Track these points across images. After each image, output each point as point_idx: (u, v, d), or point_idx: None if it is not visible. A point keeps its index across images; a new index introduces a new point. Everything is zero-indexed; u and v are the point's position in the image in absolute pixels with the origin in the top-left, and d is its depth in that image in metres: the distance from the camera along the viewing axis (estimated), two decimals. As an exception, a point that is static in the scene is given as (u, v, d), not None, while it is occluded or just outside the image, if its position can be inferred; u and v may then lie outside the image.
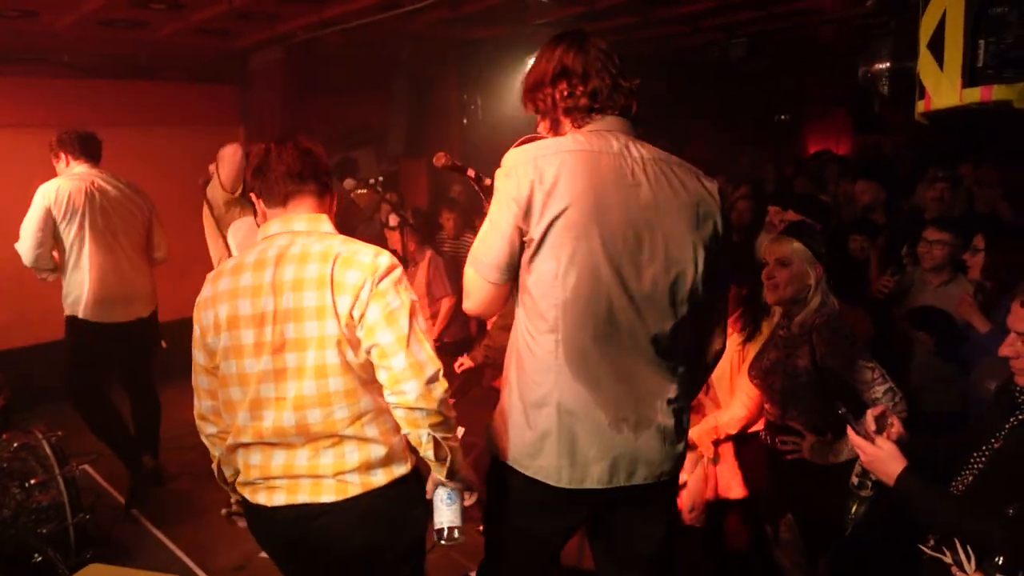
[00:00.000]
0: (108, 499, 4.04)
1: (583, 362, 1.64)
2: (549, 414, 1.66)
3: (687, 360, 1.78)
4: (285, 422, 1.74)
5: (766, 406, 2.54)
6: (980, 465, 1.73)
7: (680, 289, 1.68)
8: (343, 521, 1.79)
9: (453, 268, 4.82)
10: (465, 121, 7.55)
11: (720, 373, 2.83)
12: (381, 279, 1.73)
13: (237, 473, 1.87)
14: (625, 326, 1.65)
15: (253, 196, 1.90)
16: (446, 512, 1.86)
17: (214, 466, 1.95)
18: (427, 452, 1.77)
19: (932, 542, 1.73)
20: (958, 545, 1.56)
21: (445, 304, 4.84)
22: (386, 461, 1.81)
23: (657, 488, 1.76)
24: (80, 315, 3.80)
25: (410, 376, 1.70)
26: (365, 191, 4.91)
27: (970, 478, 1.74)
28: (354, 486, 1.78)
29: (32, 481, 3.04)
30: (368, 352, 1.74)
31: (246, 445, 1.80)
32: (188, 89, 6.29)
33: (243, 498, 1.87)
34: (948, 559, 1.58)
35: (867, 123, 11.06)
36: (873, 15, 5.89)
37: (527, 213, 1.60)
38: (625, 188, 1.62)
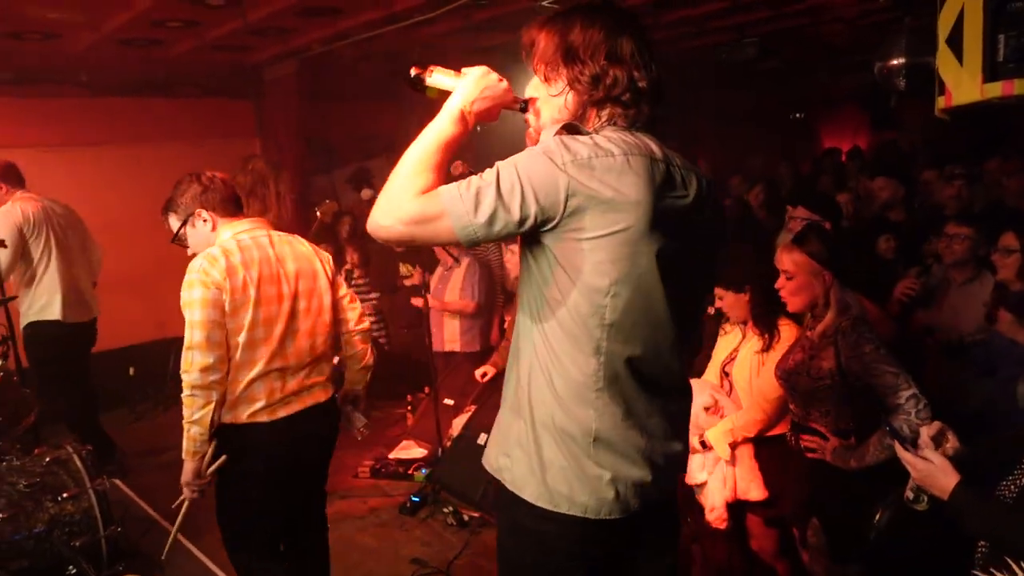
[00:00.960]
0: (136, 511, 4.09)
1: (621, 385, 1.51)
2: (587, 444, 1.51)
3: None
4: (304, 346, 2.56)
5: (791, 407, 2.53)
6: None
7: (700, 306, 1.63)
8: (331, 414, 2.73)
9: (480, 273, 4.85)
10: (478, 128, 7.56)
11: (741, 375, 2.83)
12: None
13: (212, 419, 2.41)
14: (664, 344, 1.54)
15: (202, 210, 2.52)
16: (363, 417, 2.91)
17: (207, 412, 2.38)
18: (370, 361, 2.84)
19: (981, 552, 1.70)
20: (1014, 565, 1.53)
21: (469, 307, 4.82)
22: (332, 375, 2.72)
23: (670, 504, 1.74)
24: (53, 317, 4.29)
25: (363, 311, 2.86)
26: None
27: (1021, 481, 1.70)
28: (328, 390, 2.68)
29: (64, 495, 3.08)
30: (339, 300, 2.74)
31: (266, 374, 2.47)
32: (204, 104, 6.39)
33: (255, 424, 2.46)
34: None
35: (883, 120, 11.02)
36: (886, 11, 5.86)
37: (572, 215, 1.40)
38: (675, 199, 1.48)
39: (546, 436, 1.53)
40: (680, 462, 1.66)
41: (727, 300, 2.79)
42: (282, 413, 2.51)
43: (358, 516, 4.07)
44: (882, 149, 9.04)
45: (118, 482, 4.38)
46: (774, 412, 2.70)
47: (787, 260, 2.40)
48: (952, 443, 1.80)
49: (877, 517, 2.01)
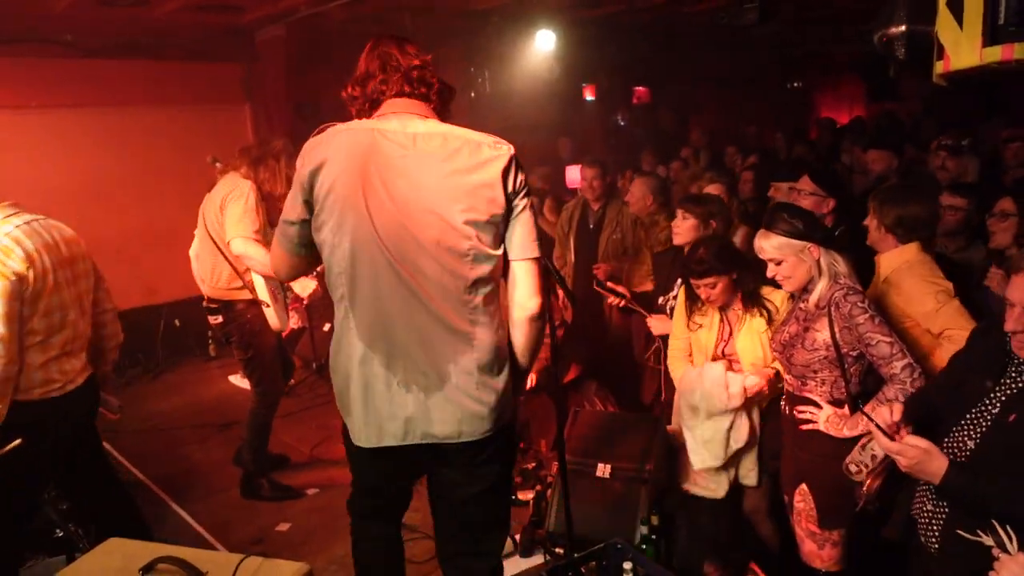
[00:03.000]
0: (125, 474, 4.10)
1: (371, 328, 1.82)
2: (345, 378, 1.87)
3: (492, 322, 1.89)
4: (83, 327, 2.64)
5: (786, 377, 2.53)
6: (982, 430, 1.69)
7: (459, 255, 1.80)
8: (96, 390, 2.78)
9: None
10: (472, 95, 7.47)
11: (751, 355, 2.81)
12: None
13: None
14: (412, 293, 1.79)
15: None
16: (114, 399, 3.12)
17: (4, 406, 2.35)
18: (120, 339, 3.07)
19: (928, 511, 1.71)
20: (997, 526, 1.52)
21: None
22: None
23: (474, 447, 1.90)
24: None
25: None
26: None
27: (970, 443, 1.71)
28: (90, 368, 2.73)
29: (51, 459, 3.07)
30: (99, 280, 2.80)
31: (60, 356, 2.52)
32: (192, 67, 6.25)
33: (47, 400, 2.48)
34: (989, 541, 1.54)
35: (881, 90, 10.91)
36: (887, -23, 5.73)
37: (309, 191, 1.80)
38: (392, 160, 1.78)
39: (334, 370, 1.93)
40: (449, 409, 1.84)
41: (720, 284, 2.74)
42: (70, 388, 2.58)
43: (349, 483, 4.09)
44: (881, 120, 8.95)
45: (107, 445, 4.38)
46: None
47: (768, 247, 2.37)
48: (907, 427, 1.79)
49: (867, 484, 2.01)
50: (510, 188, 1.84)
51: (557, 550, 2.99)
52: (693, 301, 2.93)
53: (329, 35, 6.31)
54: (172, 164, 5.56)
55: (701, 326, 2.94)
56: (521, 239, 1.89)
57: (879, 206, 2.71)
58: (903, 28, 5.52)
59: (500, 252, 1.88)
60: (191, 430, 4.66)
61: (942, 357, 2.51)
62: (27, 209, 2.52)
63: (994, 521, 1.54)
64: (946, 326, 2.47)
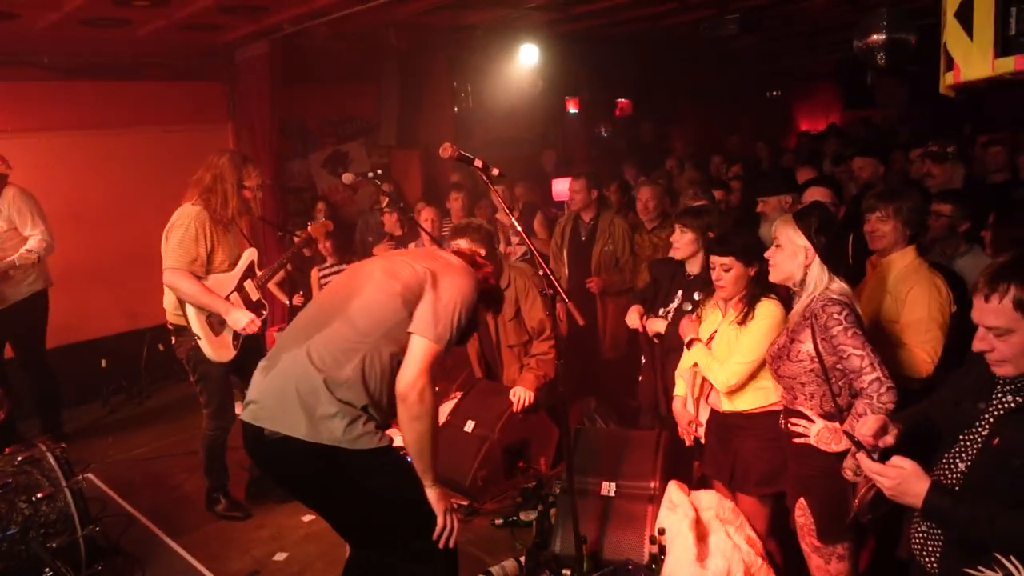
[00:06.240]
0: (114, 506, 3.98)
1: None
2: None
3: None
4: None
5: (781, 391, 2.52)
6: (972, 453, 1.66)
7: None
8: None
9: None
10: (456, 109, 7.46)
11: (721, 351, 2.81)
12: None
13: None
14: None
15: None
16: None
17: None
18: None
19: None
20: (1002, 559, 1.48)
21: None
22: None
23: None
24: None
25: None
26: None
27: (961, 466, 1.67)
28: None
29: (39, 495, 2.97)
30: None
31: None
32: (173, 87, 6.15)
33: None
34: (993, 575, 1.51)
35: (857, 98, 11.10)
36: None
37: None
38: None
39: None
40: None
41: (735, 271, 2.71)
42: None
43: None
44: (859, 127, 9.09)
45: (93, 477, 4.25)
46: (739, 381, 2.70)
47: (782, 233, 2.40)
48: (893, 433, 1.77)
49: (859, 494, 1.99)
50: None
51: (564, 572, 2.94)
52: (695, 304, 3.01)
53: (313, 53, 6.25)
54: (153, 186, 5.44)
55: (706, 318, 2.98)
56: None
57: (898, 207, 2.73)
58: (883, 37, 5.61)
59: None
60: (179, 458, 4.54)
61: (901, 360, 2.61)
62: None
63: (998, 554, 1.49)
64: (916, 343, 2.60)
